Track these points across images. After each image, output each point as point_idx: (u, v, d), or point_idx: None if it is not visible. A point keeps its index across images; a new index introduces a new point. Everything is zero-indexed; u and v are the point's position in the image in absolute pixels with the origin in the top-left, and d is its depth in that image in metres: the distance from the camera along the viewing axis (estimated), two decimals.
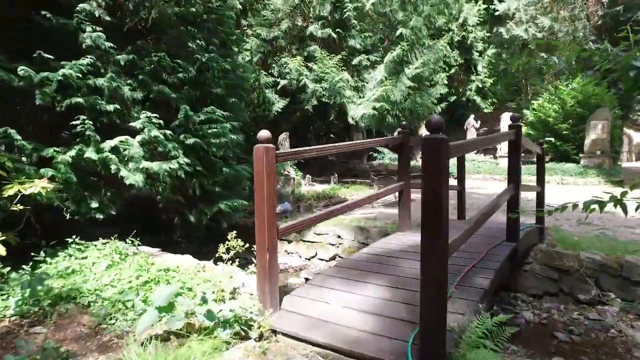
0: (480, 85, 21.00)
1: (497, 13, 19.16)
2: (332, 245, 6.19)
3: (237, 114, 6.32)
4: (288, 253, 6.57)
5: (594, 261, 4.57)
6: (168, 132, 5.05)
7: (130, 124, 4.92)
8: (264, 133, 2.68)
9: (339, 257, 6.16)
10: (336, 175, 12.61)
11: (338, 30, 11.90)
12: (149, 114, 4.83)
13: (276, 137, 12.30)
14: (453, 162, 6.24)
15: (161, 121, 4.97)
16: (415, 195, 6.14)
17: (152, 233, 8.01)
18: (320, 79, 11.52)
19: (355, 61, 12.03)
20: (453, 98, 21.08)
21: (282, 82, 11.97)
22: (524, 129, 17.33)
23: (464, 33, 19.74)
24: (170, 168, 4.99)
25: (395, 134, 6.51)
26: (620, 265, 4.41)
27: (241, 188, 6.53)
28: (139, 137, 4.94)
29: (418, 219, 2.25)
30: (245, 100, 7.87)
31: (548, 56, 17.47)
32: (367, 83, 12.17)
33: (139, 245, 4.51)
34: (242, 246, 3.00)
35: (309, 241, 6.40)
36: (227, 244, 3.01)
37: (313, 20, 12.34)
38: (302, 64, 11.51)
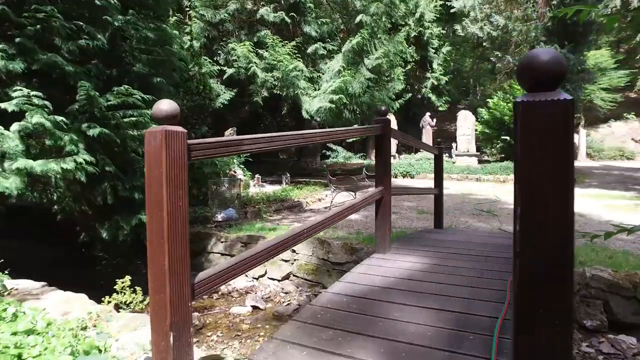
0: (436, 83, 20.73)
1: (452, 10, 18.87)
2: (286, 261, 5.07)
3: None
4: None
5: (600, 279, 3.80)
6: (60, 118, 3.67)
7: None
8: (165, 106, 1.51)
9: (294, 275, 5.05)
10: (288, 175, 11.47)
11: (292, 14, 10.75)
12: (27, 90, 3.44)
13: (222, 134, 10.95)
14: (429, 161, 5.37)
15: (47, 102, 3.58)
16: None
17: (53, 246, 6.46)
18: (271, 67, 10.31)
19: (310, 49, 10.94)
20: (409, 95, 20.65)
21: (229, 71, 10.61)
22: (479, 127, 17.14)
23: (420, 29, 19.31)
24: (63, 168, 3.62)
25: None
26: (633, 285, 3.66)
27: None
28: (16, 126, 3.53)
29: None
30: (178, 82, 6.49)
31: (502, 55, 17.40)
32: (323, 74, 11.13)
33: (11, 278, 3.14)
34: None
35: None
36: (116, 298, 1.80)
37: (264, 3, 11.09)
38: (252, 50, 10.23)
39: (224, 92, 10.70)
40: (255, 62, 10.18)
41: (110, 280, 3.53)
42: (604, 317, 3.73)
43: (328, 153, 18.82)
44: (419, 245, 3.70)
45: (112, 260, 6.67)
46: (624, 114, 31.83)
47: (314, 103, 10.40)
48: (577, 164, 15.74)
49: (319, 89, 10.87)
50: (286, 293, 4.90)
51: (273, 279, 5.06)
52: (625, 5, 10.71)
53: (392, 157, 17.75)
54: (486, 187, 11.82)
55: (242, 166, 10.81)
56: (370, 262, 2.98)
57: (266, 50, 10.36)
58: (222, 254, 5.63)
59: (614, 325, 3.70)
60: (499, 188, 11.77)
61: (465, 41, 20.88)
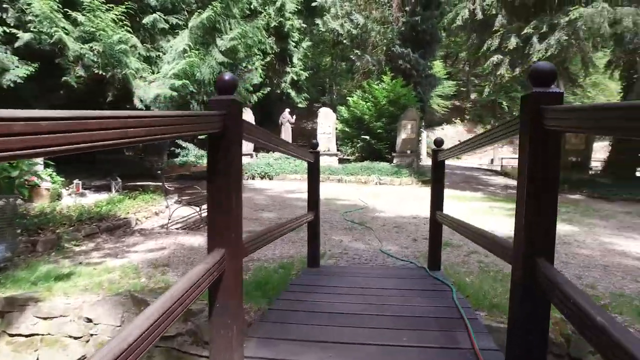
0: (295, 78, 19.93)
1: (314, 4, 18.28)
2: (76, 338, 3.10)
3: None
4: None
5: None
6: None
7: None
8: None
9: None
10: (119, 179, 8.94)
11: None
12: None
13: None
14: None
15: None
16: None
17: None
18: (89, 37, 7.71)
19: (147, 20, 8.61)
20: (268, 89, 19.38)
21: (25, 37, 7.59)
22: (339, 126, 16.89)
23: (281, 19, 18.16)
24: None
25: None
26: (566, 339, 2.89)
27: None
28: None
29: None
30: None
31: (361, 53, 17.45)
32: (164, 53, 8.93)
33: None
34: None
35: (21, 335, 3.12)
36: None
37: None
38: (57, 9, 7.45)
39: (18, 66, 7.65)
40: (63, 27, 7.45)
41: None
42: None
43: (177, 151, 16.31)
44: (289, 334, 2.18)
45: None
46: (453, 119, 36.65)
47: (150, 89, 8.17)
48: (422, 162, 16.71)
49: (158, 72, 8.65)
50: None
51: None
52: (472, 16, 11.29)
53: (249, 156, 16.29)
54: (350, 190, 11.26)
55: (50, 168, 7.99)
56: None
57: (82, 13, 7.70)
58: None
59: None
60: (362, 190, 11.34)
61: (324, 41, 20.59)
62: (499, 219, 7.08)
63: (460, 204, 8.70)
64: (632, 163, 13.12)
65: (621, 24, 9.85)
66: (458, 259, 4.58)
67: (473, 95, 39.26)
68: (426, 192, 11.43)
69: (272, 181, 13.75)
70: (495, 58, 11.23)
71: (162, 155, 16.07)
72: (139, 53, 8.34)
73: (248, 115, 15.83)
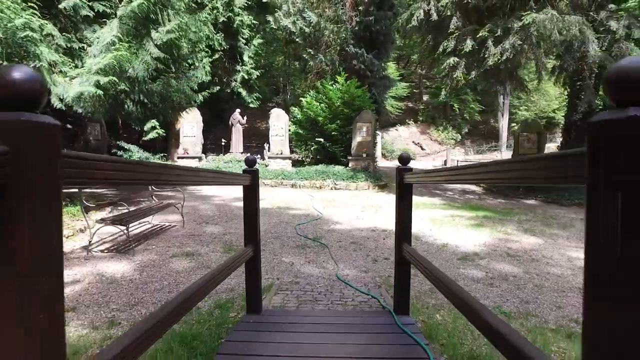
0: (246, 77, 18.97)
1: (265, 0, 17.42)
2: None
3: None
4: None
5: None
6: None
7: None
8: None
9: None
10: None
11: None
12: None
13: None
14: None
15: None
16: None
17: None
18: None
19: (66, 5, 7.42)
20: (217, 88, 18.30)
21: None
22: (292, 128, 16.18)
23: (230, 14, 17.15)
24: None
25: None
26: None
27: None
28: None
29: None
30: None
31: (314, 53, 16.82)
32: (90, 45, 7.78)
33: None
34: None
35: None
36: None
37: None
38: None
39: None
40: None
41: None
42: None
43: (120, 153, 14.87)
44: None
45: None
46: (406, 120, 37.08)
47: (72, 86, 7.02)
48: (378, 164, 16.40)
49: (82, 66, 7.51)
50: None
51: None
52: (427, 17, 10.99)
53: (197, 159, 15.19)
54: (304, 196, 10.60)
55: None
56: None
57: None
58: None
59: None
60: (317, 195, 10.71)
61: (277, 39, 19.75)
62: (463, 232, 6.69)
63: (419, 212, 8.28)
64: None
65: (570, 31, 9.92)
66: (424, 285, 4.02)
67: (425, 97, 40.02)
68: (383, 198, 11.19)
69: (220, 187, 12.80)
70: (452, 60, 11.01)
71: None
72: (57, 43, 7.15)
73: (194, 116, 14.69)
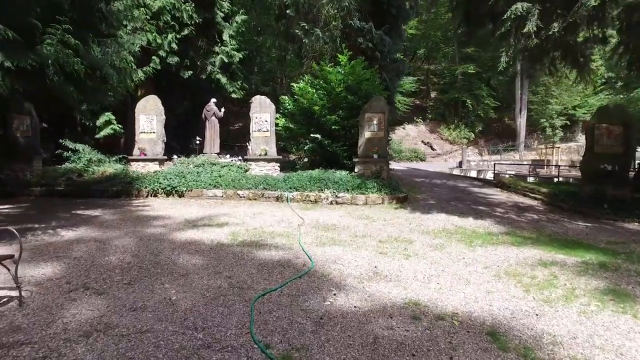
0: (227, 60, 15.43)
1: None
2: None
3: None
4: None
5: None
6: None
7: None
8: None
9: None
10: None
11: None
12: None
13: None
14: None
15: None
16: None
17: None
18: None
19: None
20: (188, 73, 14.73)
21: None
22: (282, 122, 12.65)
23: None
24: None
25: None
26: None
27: None
28: None
29: None
30: None
31: (309, 27, 13.29)
32: None
33: None
34: None
35: None
36: None
37: None
38: None
39: None
40: None
41: None
42: None
43: (66, 154, 11.38)
44: None
45: None
46: (414, 118, 33.52)
47: None
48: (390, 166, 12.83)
49: None
50: None
51: None
52: None
53: (157, 163, 11.70)
54: (290, 217, 7.11)
55: None
56: None
57: None
58: None
59: None
60: (309, 215, 7.21)
61: (267, 9, 16.19)
62: (594, 319, 3.19)
63: (480, 253, 4.79)
64: None
65: None
66: None
67: (433, 94, 36.46)
68: (408, 221, 6.65)
69: (181, 199, 9.32)
70: (520, 6, 7.29)
71: (31, 162, 11.03)
72: None
73: (152, 105, 11.10)
